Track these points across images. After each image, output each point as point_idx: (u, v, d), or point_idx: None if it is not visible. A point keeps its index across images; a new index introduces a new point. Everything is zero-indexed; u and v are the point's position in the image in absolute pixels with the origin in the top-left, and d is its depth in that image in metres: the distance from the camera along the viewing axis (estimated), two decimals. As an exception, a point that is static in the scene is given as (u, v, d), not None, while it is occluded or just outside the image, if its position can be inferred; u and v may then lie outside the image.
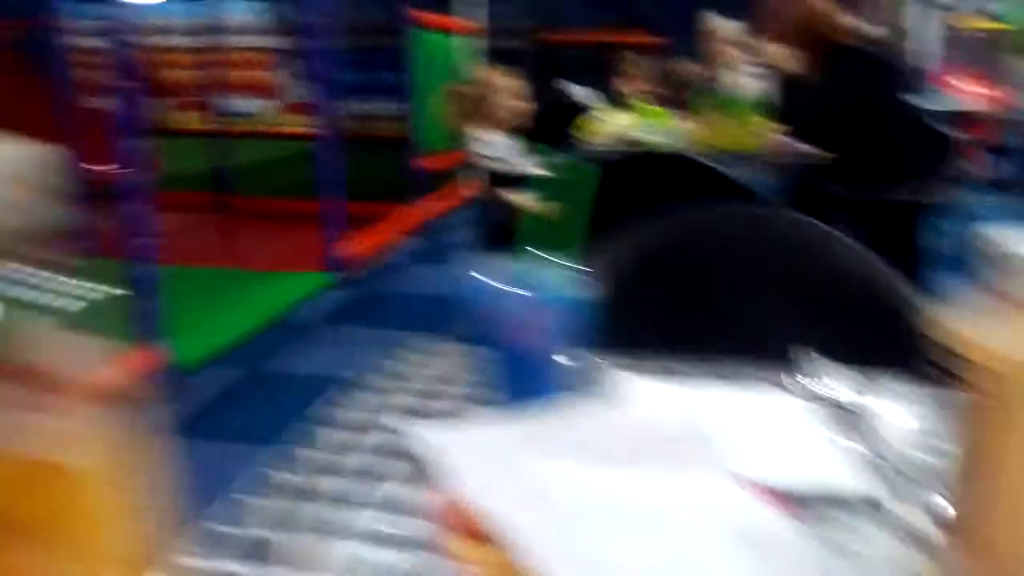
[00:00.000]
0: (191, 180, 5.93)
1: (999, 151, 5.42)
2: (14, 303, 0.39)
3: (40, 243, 0.44)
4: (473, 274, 0.58)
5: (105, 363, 0.37)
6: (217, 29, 6.08)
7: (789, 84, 2.77)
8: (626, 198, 2.49)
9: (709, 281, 1.16)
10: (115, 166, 3.75)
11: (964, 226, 4.74)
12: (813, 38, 2.68)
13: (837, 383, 0.82)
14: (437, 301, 3.90)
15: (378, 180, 5.50)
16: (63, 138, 4.09)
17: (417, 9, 5.24)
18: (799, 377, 0.83)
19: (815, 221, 1.16)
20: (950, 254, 3.12)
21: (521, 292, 0.59)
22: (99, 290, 0.36)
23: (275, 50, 9.60)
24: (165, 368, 2.77)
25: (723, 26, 4.33)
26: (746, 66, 3.42)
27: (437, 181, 5.75)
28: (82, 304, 0.36)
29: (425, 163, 5.64)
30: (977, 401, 0.41)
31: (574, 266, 0.67)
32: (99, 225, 4.75)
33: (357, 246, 4.36)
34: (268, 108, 8.45)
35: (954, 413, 0.42)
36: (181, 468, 2.26)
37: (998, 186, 5.11)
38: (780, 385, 0.82)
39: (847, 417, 0.77)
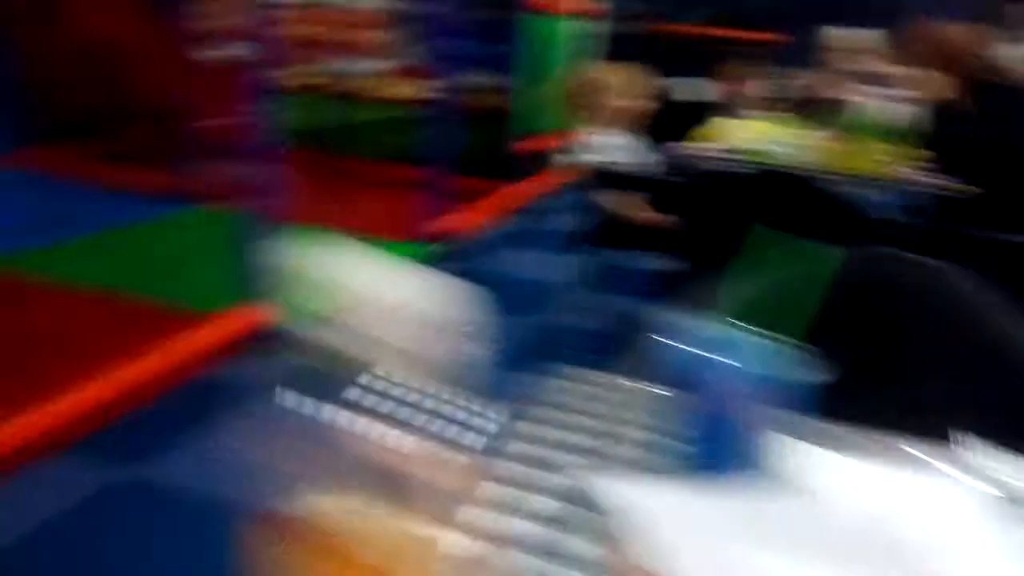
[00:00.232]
0: (298, 138, 6.04)
1: None
2: (423, 433, 0.42)
3: (456, 378, 0.46)
4: (668, 337, 0.58)
5: (467, 475, 0.40)
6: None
7: (937, 113, 2.67)
8: (748, 215, 2.47)
9: (866, 335, 1.13)
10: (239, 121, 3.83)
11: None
12: (961, 68, 2.59)
13: (1013, 472, 0.80)
14: (533, 285, 3.92)
15: (477, 155, 5.52)
16: (187, 89, 4.23)
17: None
18: (970, 462, 0.81)
19: (985, 284, 1.12)
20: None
21: (726, 360, 0.58)
22: (494, 420, 0.38)
23: (389, 12, 9.67)
24: (277, 326, 2.86)
25: (852, 39, 4.19)
26: (878, 86, 3.31)
27: (536, 163, 5.76)
28: (483, 439, 0.38)
29: (527, 144, 5.65)
30: None
31: (788, 342, 0.66)
32: (214, 179, 4.91)
33: (456, 221, 4.40)
34: (378, 70, 8.52)
35: None
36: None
37: None
38: (952, 469, 0.81)
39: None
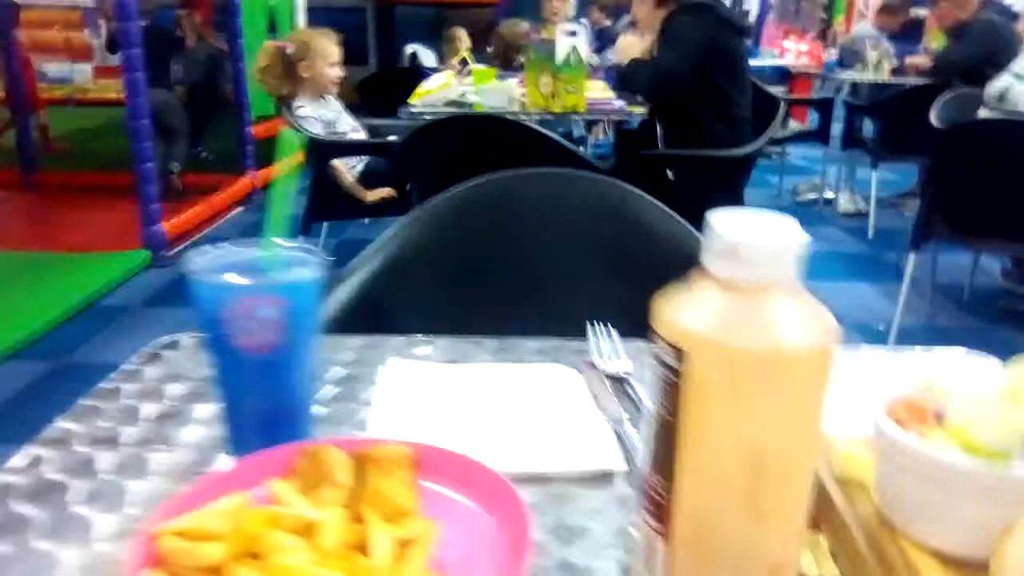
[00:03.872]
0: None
1: (818, 106, 5.74)
2: None
3: None
4: (189, 266, 0.49)
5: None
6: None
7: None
8: (446, 161, 2.43)
9: (508, 248, 1.10)
10: None
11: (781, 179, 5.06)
12: None
13: (617, 356, 0.79)
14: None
15: (214, 147, 5.19)
16: None
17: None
18: (592, 353, 0.80)
19: (625, 183, 1.11)
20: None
21: (241, 280, 0.49)
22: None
23: (84, 9, 8.81)
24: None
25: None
26: (572, 24, 3.41)
27: (269, 148, 5.46)
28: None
29: (255, 130, 5.31)
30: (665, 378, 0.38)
31: (301, 244, 0.58)
32: None
33: (179, 221, 4.06)
34: (81, 73, 7.73)
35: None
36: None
37: (815, 138, 5.42)
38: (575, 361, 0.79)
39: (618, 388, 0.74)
